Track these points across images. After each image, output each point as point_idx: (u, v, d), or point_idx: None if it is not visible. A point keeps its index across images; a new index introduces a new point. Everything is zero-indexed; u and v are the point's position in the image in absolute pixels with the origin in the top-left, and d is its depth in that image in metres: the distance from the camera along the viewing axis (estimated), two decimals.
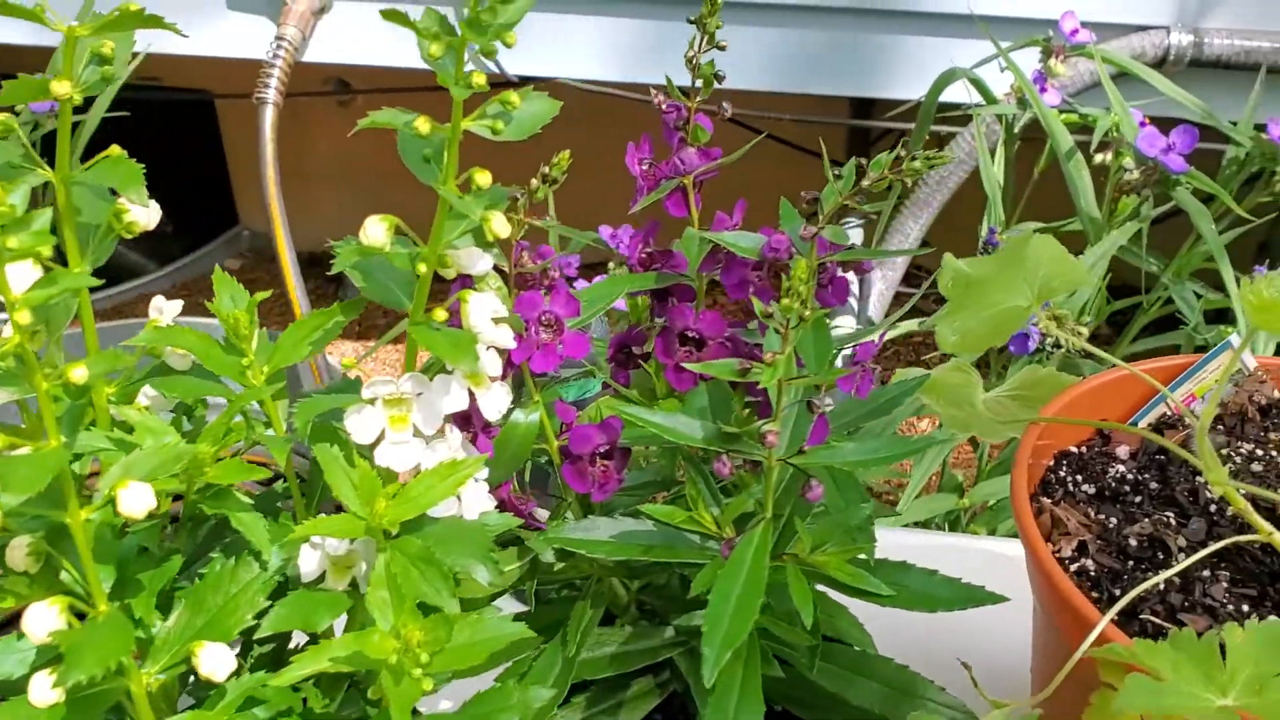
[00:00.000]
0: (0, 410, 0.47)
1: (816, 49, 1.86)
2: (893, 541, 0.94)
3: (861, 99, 2.11)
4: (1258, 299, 0.54)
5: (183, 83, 2.54)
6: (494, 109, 0.45)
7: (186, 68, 2.14)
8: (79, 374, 0.39)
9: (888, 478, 1.92)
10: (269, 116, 1.82)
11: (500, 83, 1.99)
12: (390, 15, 0.42)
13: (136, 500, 0.42)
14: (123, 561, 0.48)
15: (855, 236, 1.97)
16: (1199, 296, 1.43)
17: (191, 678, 0.52)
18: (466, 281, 0.52)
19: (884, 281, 1.83)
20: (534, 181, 0.51)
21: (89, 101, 1.74)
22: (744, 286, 0.58)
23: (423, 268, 0.47)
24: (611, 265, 1.86)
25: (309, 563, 0.51)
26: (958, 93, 1.58)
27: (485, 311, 0.48)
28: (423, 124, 0.43)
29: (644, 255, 0.60)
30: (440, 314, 0.48)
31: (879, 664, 0.59)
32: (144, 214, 0.50)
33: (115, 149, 0.48)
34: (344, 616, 0.51)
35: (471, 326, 0.48)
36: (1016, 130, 1.50)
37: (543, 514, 0.61)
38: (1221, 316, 1.47)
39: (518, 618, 0.62)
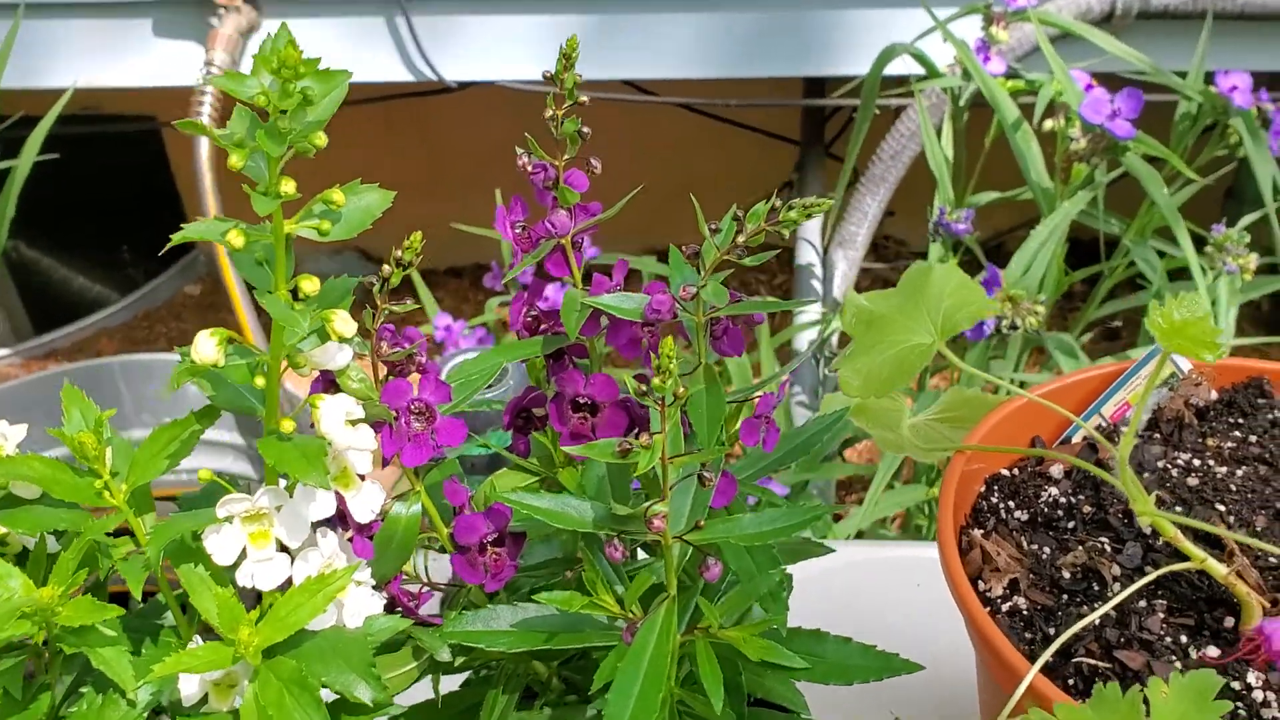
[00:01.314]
0: None
1: (760, 31, 1.82)
2: (857, 556, 0.91)
3: (813, 78, 2.07)
4: (1167, 322, 0.51)
5: (126, 109, 2.50)
6: (319, 208, 0.42)
7: (129, 94, 2.10)
8: None
9: (863, 463, 1.89)
10: (204, 146, 1.79)
11: (439, 90, 1.95)
12: (187, 125, 0.38)
13: None
14: None
15: (813, 221, 1.94)
16: (1162, 255, 1.40)
17: None
18: (327, 376, 0.49)
19: (846, 261, 1.80)
20: (386, 267, 0.48)
21: (18, 143, 1.68)
22: (635, 345, 0.55)
23: (260, 381, 0.44)
24: None
25: (189, 686, 0.48)
26: (907, 63, 1.54)
27: (338, 416, 0.45)
28: (235, 238, 0.40)
29: (528, 319, 0.57)
30: (288, 425, 0.45)
31: None
32: None
33: None
34: None
35: (324, 434, 0.45)
36: (963, 102, 1.46)
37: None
38: (1187, 273, 1.44)
39: (424, 706, 0.59)
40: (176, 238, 0.41)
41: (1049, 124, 1.36)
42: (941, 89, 1.50)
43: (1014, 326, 1.20)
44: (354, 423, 0.46)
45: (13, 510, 0.47)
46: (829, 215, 1.83)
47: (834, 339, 1.63)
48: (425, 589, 0.55)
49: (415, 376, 0.51)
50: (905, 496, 1.28)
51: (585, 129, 0.52)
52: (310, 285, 0.42)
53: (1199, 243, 1.33)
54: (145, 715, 0.47)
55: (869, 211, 1.78)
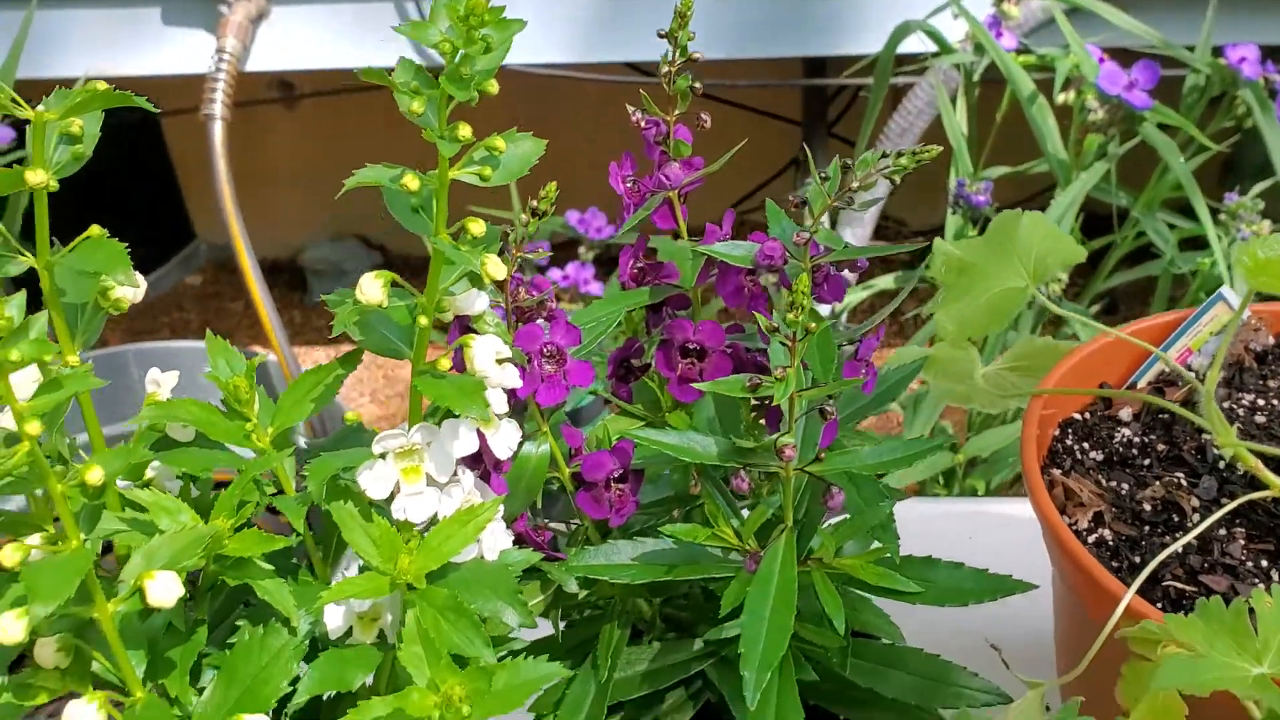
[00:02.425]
0: None
1: (764, 12, 1.85)
2: (910, 513, 0.94)
3: (814, 58, 2.10)
4: (1253, 260, 0.54)
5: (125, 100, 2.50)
6: (480, 154, 0.45)
7: (128, 85, 2.11)
8: (95, 475, 0.38)
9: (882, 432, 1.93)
10: (218, 132, 1.79)
11: None
12: (370, 74, 0.41)
13: (165, 590, 0.41)
14: (151, 642, 0.47)
15: None
16: (1172, 227, 1.44)
17: None
18: (464, 323, 0.52)
19: (855, 239, 1.83)
20: (523, 215, 0.50)
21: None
22: (739, 294, 0.58)
23: (424, 320, 0.46)
24: (582, 249, 1.85)
25: (335, 619, 0.51)
26: (914, 42, 1.57)
27: (489, 354, 0.48)
28: (411, 181, 0.43)
29: (635, 270, 0.59)
30: (445, 362, 0.47)
31: (909, 655, 0.59)
32: (131, 290, 0.49)
33: (95, 229, 0.47)
34: None
35: (477, 371, 0.48)
36: (975, 78, 1.49)
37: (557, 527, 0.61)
38: (1195, 243, 1.48)
39: (543, 643, 0.62)
40: (350, 183, 0.43)
41: (1062, 97, 1.39)
42: (953, 65, 1.53)
43: None
44: (501, 362, 0.49)
45: (174, 451, 0.50)
46: None
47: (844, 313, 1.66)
48: (545, 529, 0.58)
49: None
50: (936, 461, 1.31)
51: (697, 84, 0.55)
52: (477, 227, 0.44)
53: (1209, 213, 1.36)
54: (305, 645, 0.49)
55: (876, 190, 1.79)
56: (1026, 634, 0.73)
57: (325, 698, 0.56)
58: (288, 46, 1.93)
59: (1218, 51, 1.41)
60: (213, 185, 1.84)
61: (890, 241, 2.50)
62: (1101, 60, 1.36)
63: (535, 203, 0.51)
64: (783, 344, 0.49)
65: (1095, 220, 1.57)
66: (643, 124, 0.56)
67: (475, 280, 0.48)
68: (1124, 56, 1.39)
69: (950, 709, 0.58)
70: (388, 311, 0.47)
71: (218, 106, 1.80)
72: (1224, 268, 1.28)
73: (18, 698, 0.44)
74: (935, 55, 1.50)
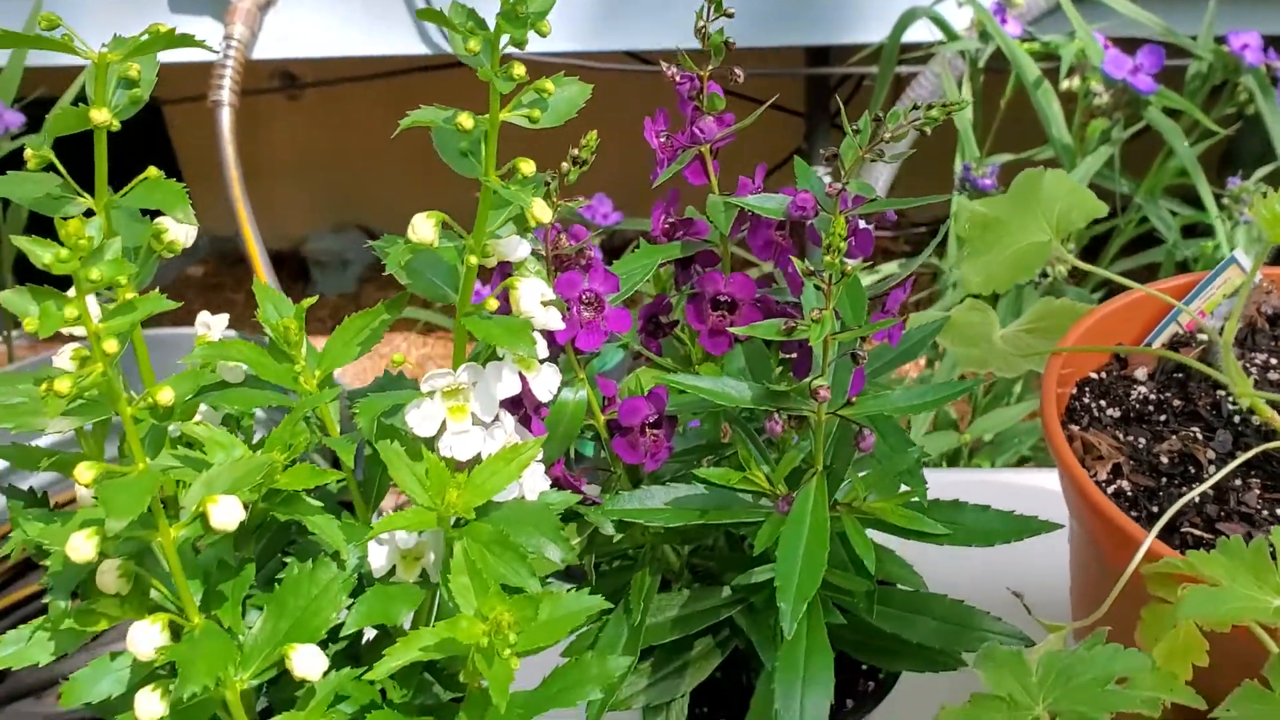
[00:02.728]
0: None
1: (767, 1, 1.86)
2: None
3: (816, 47, 2.11)
4: (1271, 213, 0.55)
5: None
6: (529, 98, 0.46)
7: None
8: (166, 396, 0.40)
9: None
10: (226, 118, 1.80)
11: (453, 64, 1.98)
12: (426, 14, 0.42)
13: (227, 514, 0.42)
14: (205, 574, 0.49)
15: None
16: (1174, 214, 1.46)
17: (268, 680, 0.52)
18: (505, 270, 0.53)
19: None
20: (564, 165, 0.52)
21: (34, 125, 1.70)
22: (770, 247, 0.60)
23: (473, 259, 0.48)
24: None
25: (379, 558, 0.52)
26: (916, 32, 1.59)
27: (535, 296, 0.49)
28: (465, 120, 0.44)
29: (667, 225, 0.61)
30: (492, 303, 0.49)
31: (933, 601, 0.61)
32: (183, 232, 0.50)
33: (152, 170, 0.48)
34: None
35: (524, 312, 0.49)
36: (980, 64, 1.51)
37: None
38: (1194, 230, 1.49)
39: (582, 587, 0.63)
40: (404, 123, 0.45)
41: (1066, 83, 1.41)
42: (957, 52, 1.55)
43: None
44: (545, 304, 0.50)
45: (224, 391, 0.51)
46: None
47: None
48: (580, 475, 0.59)
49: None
50: (940, 441, 1.32)
51: (731, 39, 0.56)
52: (528, 167, 0.46)
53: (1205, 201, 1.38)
54: (354, 579, 0.50)
55: (879, 179, 1.81)
56: (1041, 593, 0.75)
57: (365, 642, 0.57)
58: (295, 34, 1.94)
59: (1220, 40, 1.43)
60: (220, 172, 1.84)
61: (893, 233, 2.51)
62: (1106, 47, 1.38)
63: (577, 151, 0.52)
64: (818, 287, 0.51)
65: None
66: (677, 79, 0.57)
67: (519, 224, 0.49)
68: (1127, 45, 1.41)
69: (973, 652, 0.59)
70: (436, 253, 0.48)
71: (225, 93, 1.81)
72: (1227, 251, 1.30)
73: (80, 624, 0.46)
74: (941, 43, 1.51)
